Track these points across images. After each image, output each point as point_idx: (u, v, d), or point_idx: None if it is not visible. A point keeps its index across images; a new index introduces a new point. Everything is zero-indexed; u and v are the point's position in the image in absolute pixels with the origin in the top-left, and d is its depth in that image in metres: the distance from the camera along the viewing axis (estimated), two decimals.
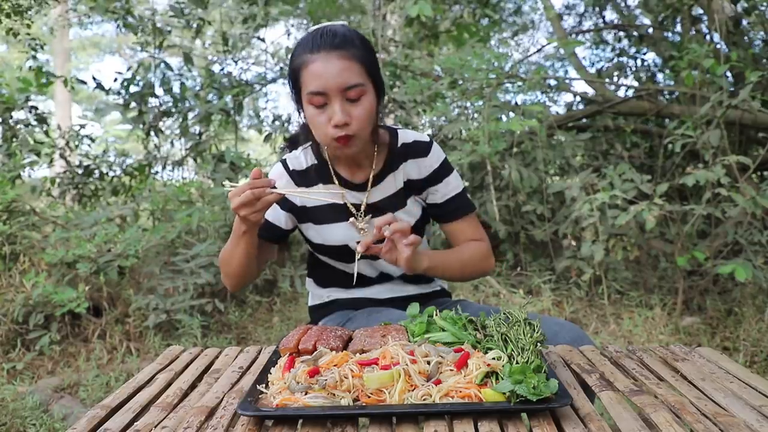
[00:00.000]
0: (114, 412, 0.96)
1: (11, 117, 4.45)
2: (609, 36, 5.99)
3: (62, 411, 2.43)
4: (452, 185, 1.43)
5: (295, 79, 1.28)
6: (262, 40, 5.23)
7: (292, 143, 1.50)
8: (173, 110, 4.77)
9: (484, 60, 4.03)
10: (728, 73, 4.21)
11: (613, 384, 0.98)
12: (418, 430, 0.84)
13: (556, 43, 5.01)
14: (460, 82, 4.16)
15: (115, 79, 4.65)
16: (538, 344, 0.99)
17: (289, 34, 6.17)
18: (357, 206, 1.39)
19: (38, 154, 4.50)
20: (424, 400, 0.87)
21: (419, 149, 1.41)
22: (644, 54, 5.45)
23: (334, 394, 0.89)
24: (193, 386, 1.08)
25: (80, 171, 4.81)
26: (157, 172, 5.01)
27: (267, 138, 5.02)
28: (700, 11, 4.64)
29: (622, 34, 5.71)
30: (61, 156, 4.80)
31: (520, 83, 4.52)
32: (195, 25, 4.82)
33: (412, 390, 0.88)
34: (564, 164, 4.31)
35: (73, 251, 3.36)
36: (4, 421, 2.37)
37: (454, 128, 4.25)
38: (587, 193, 3.58)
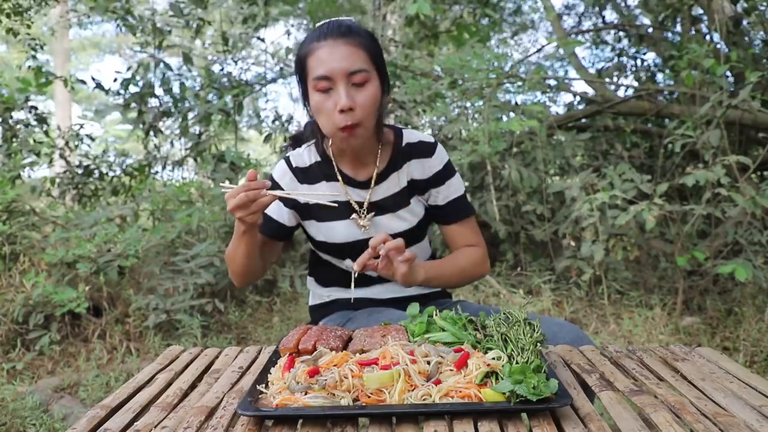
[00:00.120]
0: (114, 412, 0.96)
1: (11, 117, 4.45)
2: (609, 36, 5.99)
3: (62, 411, 2.43)
4: (454, 187, 1.44)
5: (301, 68, 1.29)
6: (262, 40, 5.23)
7: (296, 141, 1.50)
8: (173, 110, 4.78)
9: (484, 60, 4.03)
10: (728, 73, 4.21)
11: (613, 384, 0.98)
12: (418, 430, 0.84)
13: (556, 43, 5.01)
14: (460, 82, 4.16)
15: (115, 79, 4.65)
16: (538, 344, 0.99)
17: (289, 34, 6.17)
18: (360, 204, 1.39)
19: (38, 154, 4.51)
20: (423, 400, 0.87)
21: (424, 149, 1.42)
22: (644, 54, 5.46)
23: (334, 394, 0.89)
24: (193, 386, 1.08)
25: (80, 171, 4.81)
26: (157, 172, 5.01)
27: (267, 138, 5.02)
28: (700, 11, 4.64)
29: (622, 34, 5.71)
30: (61, 156, 4.80)
31: (520, 83, 4.52)
32: (195, 25, 4.82)
33: (412, 390, 0.88)
34: (564, 164, 4.31)
35: (73, 251, 3.36)
36: (4, 421, 2.37)
37: (454, 128, 4.25)
38: (587, 193, 3.58)
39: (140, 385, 1.08)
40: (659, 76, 5.36)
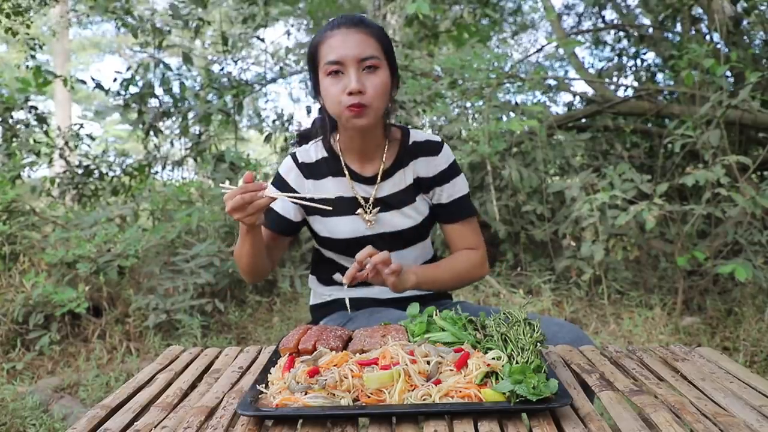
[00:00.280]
0: (114, 412, 0.96)
1: (11, 117, 4.45)
2: (609, 36, 5.99)
3: (62, 411, 2.42)
4: (458, 187, 1.45)
5: (313, 56, 1.31)
6: (262, 40, 5.23)
7: (304, 138, 1.52)
8: (173, 110, 4.78)
9: (484, 60, 4.03)
10: (728, 73, 4.21)
11: (613, 384, 0.98)
12: (418, 430, 0.84)
13: (556, 43, 5.01)
14: (460, 82, 4.16)
15: (115, 79, 4.65)
16: (538, 344, 0.99)
17: (289, 34, 6.17)
18: (366, 200, 1.40)
19: (38, 154, 4.51)
20: (423, 400, 0.87)
21: (430, 148, 1.43)
22: (644, 54, 5.45)
23: (334, 394, 0.89)
24: (193, 386, 1.09)
25: (80, 171, 4.81)
26: (156, 172, 5.01)
27: (267, 138, 5.02)
28: (700, 11, 4.64)
29: (622, 34, 5.71)
30: (61, 156, 4.80)
31: (520, 83, 4.52)
32: (194, 25, 4.82)
33: (412, 390, 0.88)
34: (564, 164, 4.31)
35: (73, 251, 3.36)
36: (4, 421, 2.37)
37: (454, 128, 4.25)
38: (587, 193, 3.58)
39: (140, 385, 1.08)
40: (659, 76, 5.37)
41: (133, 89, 4.68)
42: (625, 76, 5.59)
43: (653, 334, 3.11)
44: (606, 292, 3.54)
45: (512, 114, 4.15)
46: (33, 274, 3.33)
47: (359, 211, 1.39)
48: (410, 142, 1.43)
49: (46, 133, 4.63)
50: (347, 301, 1.31)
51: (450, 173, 1.43)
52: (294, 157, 1.44)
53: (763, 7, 4.21)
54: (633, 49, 5.52)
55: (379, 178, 1.40)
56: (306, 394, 0.89)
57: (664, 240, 3.84)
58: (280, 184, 1.43)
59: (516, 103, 4.80)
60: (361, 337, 1.07)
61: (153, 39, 4.79)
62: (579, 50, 5.92)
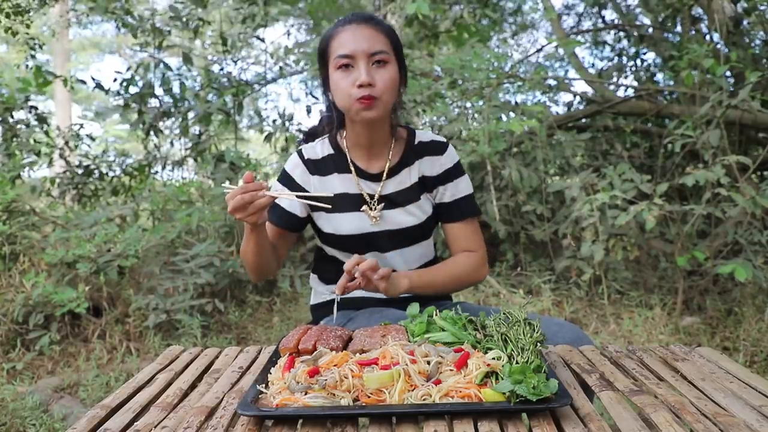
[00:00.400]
0: (114, 412, 0.96)
1: (11, 117, 4.45)
2: (609, 36, 5.99)
3: (62, 411, 2.42)
4: (462, 186, 1.46)
5: (323, 52, 1.34)
6: (261, 39, 5.23)
7: (311, 136, 1.53)
8: (173, 110, 4.78)
9: (484, 60, 4.03)
10: (728, 73, 4.21)
11: (613, 384, 0.98)
12: (418, 430, 0.84)
13: (556, 43, 5.01)
14: (460, 82, 4.16)
15: (115, 79, 4.65)
16: (538, 344, 0.99)
17: (289, 35, 6.17)
18: (371, 196, 1.41)
19: (38, 154, 4.51)
20: (423, 400, 0.87)
21: (435, 148, 1.45)
22: (644, 54, 5.45)
23: (334, 394, 0.89)
24: (193, 386, 1.09)
25: (80, 171, 4.81)
26: (156, 172, 5.01)
27: (267, 138, 5.02)
28: (700, 11, 4.64)
29: (622, 34, 5.71)
30: (61, 156, 4.80)
31: (520, 83, 4.52)
32: (194, 25, 4.81)
33: (412, 390, 0.88)
34: (564, 164, 4.31)
35: (73, 251, 3.36)
36: (4, 421, 2.37)
37: (454, 128, 4.24)
38: (587, 193, 3.58)
39: (140, 385, 1.08)
40: (659, 76, 5.37)
41: (133, 89, 4.68)
42: (625, 76, 5.60)
43: (653, 334, 3.11)
44: (606, 292, 3.54)
45: (512, 114, 4.14)
46: (33, 274, 3.33)
47: (364, 207, 1.40)
48: (416, 142, 1.45)
49: (46, 133, 4.63)
50: (335, 306, 1.32)
51: (454, 173, 1.45)
52: (300, 153, 1.46)
53: (763, 7, 4.21)
54: (633, 49, 5.52)
55: (384, 176, 1.41)
56: (306, 394, 0.89)
57: (664, 240, 3.84)
58: (286, 180, 1.45)
59: (516, 103, 4.80)
60: (361, 337, 1.07)
61: (153, 39, 4.79)
62: (579, 50, 5.92)
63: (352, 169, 1.42)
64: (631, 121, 4.75)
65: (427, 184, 1.44)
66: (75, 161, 4.97)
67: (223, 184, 1.25)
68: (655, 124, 4.77)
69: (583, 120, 4.82)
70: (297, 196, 1.24)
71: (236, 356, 1.24)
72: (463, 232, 1.46)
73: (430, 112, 4.27)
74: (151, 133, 4.79)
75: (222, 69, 5.12)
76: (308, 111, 5.20)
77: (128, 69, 4.78)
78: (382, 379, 0.88)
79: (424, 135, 1.47)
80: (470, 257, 1.44)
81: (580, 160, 4.47)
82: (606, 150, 4.66)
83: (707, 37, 4.49)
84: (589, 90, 5.07)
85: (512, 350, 0.97)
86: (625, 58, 5.59)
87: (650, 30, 5.22)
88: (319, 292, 1.55)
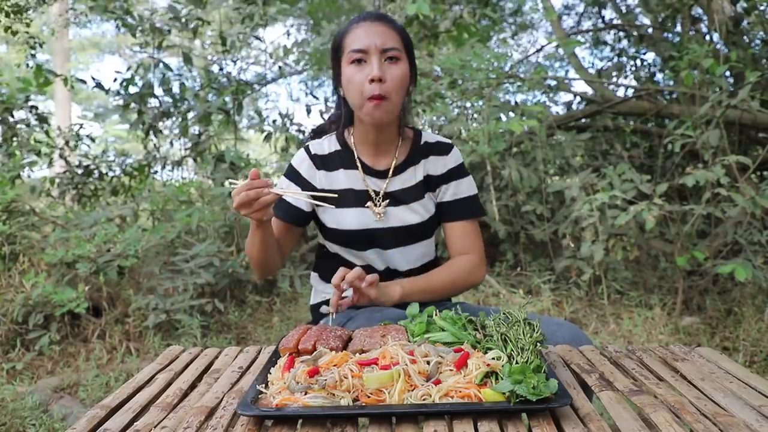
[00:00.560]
0: (114, 412, 0.96)
1: (12, 117, 4.45)
2: (609, 36, 5.99)
3: (62, 411, 2.42)
4: (463, 187, 1.48)
5: (337, 47, 1.36)
6: (261, 39, 5.23)
7: (318, 134, 1.55)
8: (173, 110, 4.77)
9: (483, 60, 4.03)
10: (728, 73, 4.21)
11: (612, 384, 0.98)
12: (418, 430, 0.84)
13: (556, 43, 5.01)
14: (460, 82, 4.16)
15: (115, 79, 4.65)
16: (538, 344, 0.99)
17: (288, 35, 6.16)
18: (376, 193, 1.43)
19: (38, 154, 4.50)
20: (423, 400, 0.87)
21: (441, 148, 1.48)
22: (644, 54, 5.45)
23: (333, 394, 0.89)
24: (193, 386, 1.09)
25: (80, 171, 4.81)
26: (156, 172, 5.01)
27: (267, 138, 5.02)
28: (700, 11, 4.64)
29: (621, 34, 5.71)
30: (61, 156, 4.80)
31: (519, 83, 4.52)
32: (194, 25, 4.81)
33: (412, 390, 0.88)
34: (564, 164, 4.31)
35: (73, 251, 3.36)
36: (3, 421, 2.37)
37: (454, 128, 4.25)
38: (587, 193, 3.58)
39: (140, 385, 1.08)
40: (659, 76, 5.36)
41: (132, 89, 4.68)
42: (625, 76, 5.59)
43: (653, 334, 3.11)
44: (606, 292, 3.54)
45: (512, 114, 4.14)
46: (33, 274, 3.33)
47: (369, 204, 1.42)
48: (422, 142, 1.48)
49: (46, 133, 4.63)
50: (330, 320, 1.32)
51: (457, 173, 1.47)
52: (307, 149, 1.48)
53: (762, 7, 4.21)
54: (633, 49, 5.52)
55: (390, 173, 1.44)
56: (306, 394, 0.89)
57: (663, 240, 3.84)
58: (293, 174, 1.47)
59: (516, 103, 4.79)
60: (361, 337, 1.07)
61: (152, 39, 4.79)
62: (579, 50, 5.93)
63: (359, 165, 1.44)
64: (631, 121, 4.76)
65: (431, 184, 1.46)
66: (75, 161, 4.97)
67: (229, 180, 1.26)
68: (655, 124, 4.77)
69: (583, 120, 4.82)
70: (304, 195, 1.25)
71: (236, 356, 1.24)
72: (462, 232, 1.46)
73: (430, 112, 4.27)
74: (151, 133, 4.79)
75: (222, 69, 5.11)
76: (308, 111, 5.20)
77: (128, 69, 4.78)
78: (381, 379, 0.88)
79: (430, 136, 1.50)
80: (466, 260, 1.45)
81: (580, 160, 4.47)
82: (606, 150, 4.66)
83: (707, 37, 4.49)
84: (589, 90, 5.07)
85: (512, 350, 0.97)
86: (624, 58, 5.60)
87: (650, 30, 5.22)
88: (320, 290, 1.55)
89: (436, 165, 1.46)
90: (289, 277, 3.75)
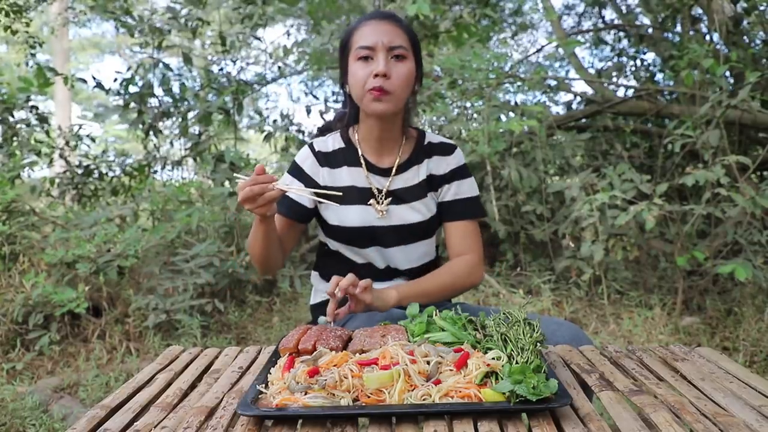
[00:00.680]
0: (114, 412, 0.96)
1: (12, 117, 4.45)
2: (609, 36, 5.99)
3: (62, 411, 2.42)
4: (465, 188, 1.49)
5: (345, 44, 1.38)
6: (260, 39, 5.23)
7: (324, 131, 1.57)
8: (173, 110, 4.77)
9: (483, 60, 4.03)
10: (728, 73, 4.21)
11: (612, 384, 0.98)
12: (418, 430, 0.84)
13: (556, 43, 5.01)
14: (460, 82, 4.16)
15: (115, 79, 4.65)
16: (538, 344, 0.99)
17: (289, 35, 6.16)
18: (379, 190, 1.44)
19: (38, 154, 4.50)
20: (423, 400, 0.87)
21: (444, 149, 1.50)
22: (644, 54, 5.45)
23: (333, 394, 0.89)
24: (193, 386, 1.09)
25: (80, 171, 4.81)
26: (156, 172, 5.01)
27: (267, 137, 5.02)
28: (700, 11, 4.64)
29: (621, 34, 5.71)
30: (61, 156, 4.80)
31: (519, 83, 4.51)
32: (194, 25, 4.81)
33: (412, 390, 0.88)
34: (564, 164, 4.31)
35: (73, 251, 3.36)
36: (3, 421, 2.37)
37: (453, 128, 4.25)
38: (587, 193, 3.58)
39: (140, 385, 1.08)
40: (659, 76, 5.36)
41: (132, 89, 4.67)
42: (625, 76, 5.59)
43: (653, 334, 3.11)
44: (606, 292, 3.54)
45: (512, 114, 4.14)
46: (33, 274, 3.33)
47: (371, 201, 1.42)
48: (426, 142, 1.49)
49: (46, 133, 4.63)
50: (327, 323, 1.32)
51: (459, 173, 1.48)
52: (311, 146, 1.49)
53: (763, 7, 4.21)
54: (633, 49, 5.52)
55: (394, 171, 1.45)
56: (306, 394, 0.89)
57: (663, 240, 3.84)
58: (296, 171, 1.47)
59: (516, 103, 4.79)
60: (361, 337, 1.07)
61: (152, 39, 4.79)
62: (579, 50, 5.92)
63: (362, 162, 1.45)
64: (631, 121, 4.75)
65: (433, 183, 1.47)
66: (75, 161, 4.97)
67: (235, 174, 1.27)
68: (655, 124, 4.77)
69: (583, 120, 4.82)
70: (307, 192, 1.26)
71: (236, 356, 1.24)
72: (462, 232, 1.46)
73: (430, 112, 4.27)
74: (151, 133, 4.79)
75: (222, 69, 5.11)
76: (308, 111, 5.20)
77: (128, 69, 4.78)
78: (381, 379, 0.88)
79: (434, 137, 1.51)
80: (464, 262, 1.45)
81: (580, 160, 4.47)
82: (606, 150, 4.66)
83: (707, 37, 4.49)
84: (589, 90, 5.07)
85: (512, 350, 0.97)
86: (624, 58, 5.59)
87: (650, 30, 5.22)
88: (320, 290, 1.56)
89: (439, 165, 1.47)
90: (289, 277, 3.75)
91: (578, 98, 5.16)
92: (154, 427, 0.88)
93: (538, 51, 5.84)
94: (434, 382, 0.89)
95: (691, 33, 4.67)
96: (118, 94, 4.66)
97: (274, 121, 5.09)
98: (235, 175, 1.28)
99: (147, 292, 3.52)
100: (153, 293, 3.44)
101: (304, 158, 1.48)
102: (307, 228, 1.66)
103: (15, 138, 4.44)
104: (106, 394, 2.58)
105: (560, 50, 5.98)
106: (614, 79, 5.41)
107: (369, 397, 0.88)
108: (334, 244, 1.49)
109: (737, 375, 1.01)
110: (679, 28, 4.97)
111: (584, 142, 4.29)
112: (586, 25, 6.30)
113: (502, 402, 0.85)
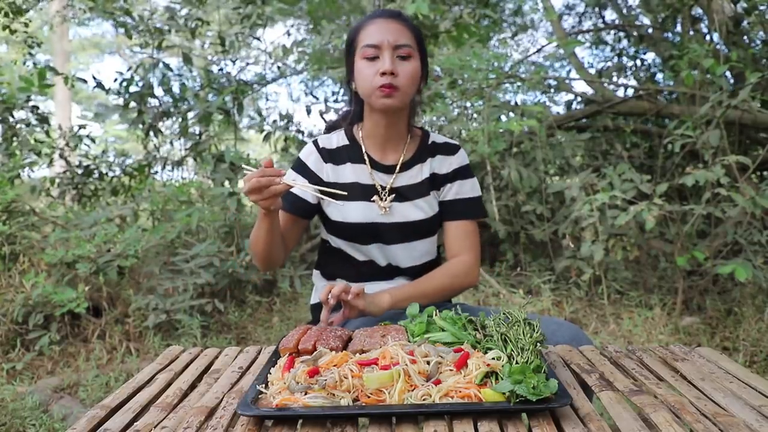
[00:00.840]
0: (114, 412, 0.96)
1: (12, 117, 4.45)
2: (609, 36, 5.99)
3: (62, 411, 2.42)
4: (467, 188, 1.49)
5: (351, 42, 1.39)
6: (259, 39, 5.23)
7: (331, 129, 1.58)
8: (173, 110, 4.77)
9: (483, 60, 4.03)
10: (728, 73, 4.21)
11: (612, 384, 0.98)
12: (418, 430, 0.84)
13: (556, 43, 5.01)
14: (460, 82, 4.16)
15: (115, 80, 4.65)
16: (538, 344, 0.99)
17: (289, 35, 6.16)
18: (383, 187, 1.45)
19: (38, 154, 4.50)
20: (423, 400, 0.87)
21: (448, 149, 1.51)
22: (644, 54, 5.45)
23: (333, 394, 0.89)
24: (192, 386, 1.09)
25: (80, 171, 4.81)
26: (156, 172, 5.01)
27: (266, 137, 5.02)
28: (700, 11, 4.64)
29: (622, 34, 5.71)
30: (61, 156, 4.79)
31: (519, 83, 4.51)
32: (193, 25, 4.81)
33: (412, 390, 0.88)
34: (564, 164, 4.31)
35: (73, 251, 3.36)
36: (3, 421, 2.37)
37: (453, 128, 4.25)
38: (587, 193, 3.58)
39: (140, 385, 1.08)
40: (659, 76, 5.36)
41: (132, 89, 4.67)
42: (625, 76, 5.59)
43: (653, 334, 3.11)
44: (606, 292, 3.54)
45: (512, 114, 4.14)
46: (33, 274, 3.32)
47: (374, 198, 1.43)
48: (430, 142, 1.51)
49: (46, 133, 4.63)
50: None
51: (462, 173, 1.49)
52: (315, 142, 1.50)
53: (763, 7, 4.21)
54: (633, 49, 5.52)
55: (397, 168, 1.46)
56: (306, 394, 0.89)
57: (663, 240, 3.84)
58: (300, 167, 1.48)
59: (516, 103, 4.79)
60: (361, 337, 1.07)
61: (152, 39, 4.79)
62: (579, 50, 5.92)
63: (366, 159, 1.46)
64: (631, 121, 4.75)
65: (436, 182, 1.48)
66: (75, 161, 4.96)
67: (243, 165, 1.28)
68: (655, 124, 4.77)
69: (583, 120, 4.82)
70: (313, 189, 1.26)
71: (236, 356, 1.24)
72: (461, 231, 1.46)
73: (430, 112, 4.27)
74: (151, 133, 4.79)
75: (221, 69, 5.11)
76: (308, 111, 5.20)
77: (128, 69, 4.78)
78: (382, 379, 0.88)
79: (438, 137, 1.53)
80: (459, 263, 1.45)
81: (580, 160, 4.47)
82: (606, 150, 4.66)
83: (707, 37, 4.49)
84: (589, 90, 5.07)
85: (512, 350, 0.97)
86: (625, 58, 5.60)
87: (650, 30, 5.22)
88: (320, 289, 1.56)
89: (442, 164, 1.48)
90: (289, 277, 3.75)
91: (578, 98, 5.16)
92: (154, 427, 0.88)
93: (538, 51, 5.84)
94: (434, 382, 0.89)
95: (691, 33, 4.67)
96: (118, 93, 4.66)
97: (274, 121, 5.09)
98: (243, 166, 1.29)
99: (147, 292, 3.52)
100: (153, 293, 3.44)
101: (308, 154, 1.49)
102: (309, 226, 1.67)
103: (15, 138, 4.43)
104: (106, 394, 2.58)
105: (560, 50, 5.98)
106: (614, 79, 5.41)
107: (369, 397, 0.88)
108: (336, 241, 1.50)
109: (737, 375, 1.01)
110: (679, 28, 4.97)
111: (584, 142, 4.29)
112: (587, 25, 6.30)
113: (502, 402, 0.85)
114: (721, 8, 4.15)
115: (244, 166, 1.29)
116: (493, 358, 0.94)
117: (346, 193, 1.33)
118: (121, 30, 4.79)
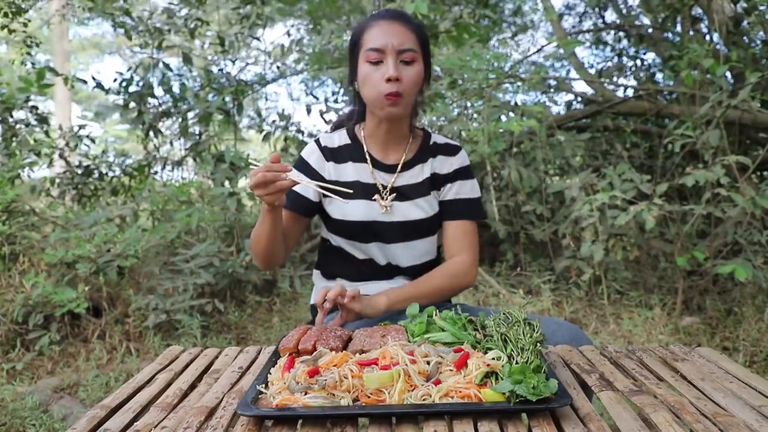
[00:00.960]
0: (114, 412, 0.96)
1: (12, 117, 4.45)
2: (609, 36, 5.99)
3: (62, 411, 2.42)
4: (467, 188, 1.50)
5: (355, 43, 1.39)
6: (258, 39, 5.23)
7: (336, 129, 1.58)
8: (173, 110, 4.77)
9: (483, 60, 4.03)
10: (728, 73, 4.21)
11: (612, 384, 0.98)
12: (418, 430, 0.84)
13: (556, 43, 5.01)
14: (460, 82, 4.16)
15: (115, 80, 4.65)
16: (538, 344, 0.99)
17: (289, 35, 6.16)
18: (384, 186, 1.46)
19: (38, 154, 4.50)
20: (423, 400, 0.87)
21: (449, 149, 1.52)
22: (644, 54, 5.46)
23: (333, 394, 0.89)
24: (192, 386, 1.09)
25: (80, 171, 4.81)
26: (156, 172, 5.01)
27: (266, 137, 5.02)
28: (700, 11, 4.64)
29: (622, 34, 5.71)
30: (61, 156, 4.79)
31: (519, 83, 4.52)
32: (193, 25, 4.81)
33: (412, 390, 0.88)
34: (564, 164, 4.31)
35: (73, 251, 3.36)
36: (3, 421, 2.37)
37: (453, 128, 4.24)
38: (587, 194, 3.58)
39: (140, 385, 1.08)
40: (659, 76, 5.36)
41: (132, 89, 4.67)
42: (625, 76, 5.60)
43: (653, 334, 3.11)
44: (606, 292, 3.54)
45: (512, 114, 4.14)
46: (33, 275, 3.32)
47: (376, 197, 1.44)
48: (431, 142, 1.51)
49: (46, 133, 4.63)
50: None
51: (462, 174, 1.50)
52: (317, 141, 1.51)
53: (763, 7, 4.21)
54: (633, 49, 5.52)
55: (399, 168, 1.46)
56: (306, 394, 0.89)
57: (663, 240, 3.84)
58: (302, 166, 1.49)
59: (516, 103, 4.79)
60: (361, 337, 1.07)
61: (152, 39, 4.78)
62: (579, 50, 5.93)
63: (368, 158, 1.47)
64: (631, 121, 4.75)
65: (436, 182, 1.49)
66: (75, 161, 4.96)
67: (250, 159, 1.28)
68: (655, 124, 4.77)
69: (583, 120, 4.82)
70: (318, 186, 1.26)
71: (236, 356, 1.24)
72: (460, 231, 1.47)
73: (430, 112, 4.27)
74: (151, 133, 4.79)
75: (221, 69, 5.11)
76: (308, 111, 5.20)
77: (128, 69, 4.77)
78: (381, 379, 0.88)
79: (439, 138, 1.54)
80: (456, 263, 1.45)
81: (580, 160, 4.47)
82: (606, 150, 4.66)
83: (707, 37, 4.49)
84: (589, 90, 5.07)
85: (512, 350, 0.97)
86: (625, 58, 5.60)
87: (650, 30, 5.22)
88: (320, 288, 1.56)
89: (443, 164, 1.49)
90: (289, 278, 3.75)
91: (578, 98, 5.16)
92: (154, 427, 0.88)
93: (538, 51, 5.84)
94: (434, 382, 0.90)
95: (691, 33, 4.67)
96: (118, 93, 4.66)
97: (274, 121, 5.09)
98: (250, 160, 1.29)
99: (147, 292, 3.52)
100: (153, 293, 3.44)
101: (310, 153, 1.50)
102: (309, 225, 1.67)
103: (15, 138, 4.43)
104: (106, 394, 2.58)
105: (560, 50, 5.98)
106: (614, 79, 5.41)
107: (369, 397, 0.88)
108: (336, 240, 1.50)
109: (737, 375, 1.01)
110: (679, 28, 4.97)
111: (584, 142, 4.29)
112: (587, 25, 6.30)
113: (502, 402, 0.85)
114: (721, 8, 4.15)
115: (251, 160, 1.30)
116: (493, 358, 0.94)
117: (351, 192, 1.33)
118: (121, 30, 4.78)
